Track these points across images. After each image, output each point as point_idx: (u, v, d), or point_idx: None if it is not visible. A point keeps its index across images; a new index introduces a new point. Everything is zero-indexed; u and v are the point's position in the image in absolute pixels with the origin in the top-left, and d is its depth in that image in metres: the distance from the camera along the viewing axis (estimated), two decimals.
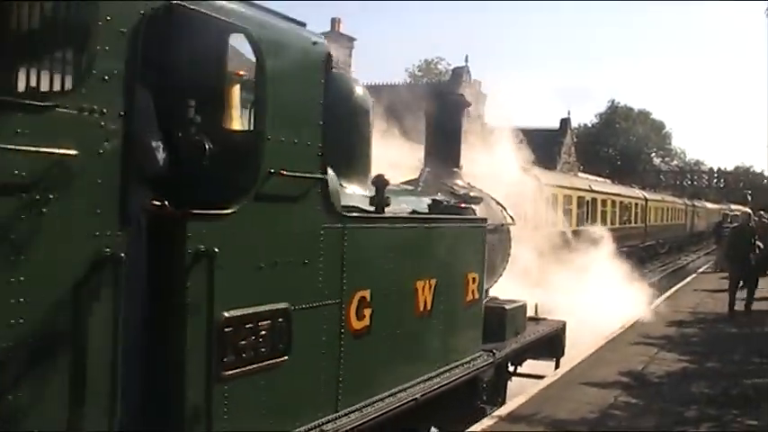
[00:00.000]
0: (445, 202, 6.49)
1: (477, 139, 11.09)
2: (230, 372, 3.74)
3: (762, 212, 23.68)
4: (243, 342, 3.81)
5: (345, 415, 4.72)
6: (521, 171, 19.45)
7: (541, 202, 19.85)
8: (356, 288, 4.75)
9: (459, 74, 43.49)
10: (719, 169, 61.24)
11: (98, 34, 3.04)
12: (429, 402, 5.70)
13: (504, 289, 8.28)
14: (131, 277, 3.22)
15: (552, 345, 8.67)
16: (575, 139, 55.77)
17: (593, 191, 28.20)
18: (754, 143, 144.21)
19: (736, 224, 20.79)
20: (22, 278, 2.79)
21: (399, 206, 5.88)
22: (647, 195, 38.80)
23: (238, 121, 4.85)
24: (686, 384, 8.84)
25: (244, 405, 3.85)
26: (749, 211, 24.98)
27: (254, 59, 3.93)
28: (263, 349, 3.95)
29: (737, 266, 14.66)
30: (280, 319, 4.07)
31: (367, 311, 4.88)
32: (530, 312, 8.40)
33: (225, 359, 3.70)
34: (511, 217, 8.55)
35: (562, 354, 8.93)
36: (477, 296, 6.53)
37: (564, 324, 8.81)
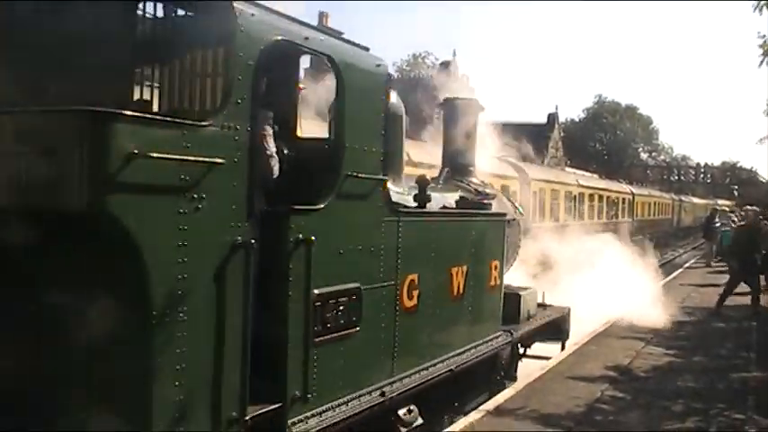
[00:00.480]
0: (469, 199, 7.46)
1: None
2: (319, 339, 4.68)
3: (748, 207, 24.90)
4: (328, 315, 4.76)
5: (399, 380, 5.69)
6: (509, 165, 20.44)
7: (528, 196, 20.77)
8: (407, 272, 5.71)
9: (446, 68, 44.47)
10: (706, 164, 62.97)
11: (234, 67, 3.96)
12: (461, 373, 6.69)
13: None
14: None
15: (558, 328, 9.68)
16: (562, 134, 56.92)
17: (580, 185, 28.80)
18: (740, 139, 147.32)
19: (726, 221, 21.98)
20: (185, 258, 3.71)
21: (433, 202, 6.84)
22: (635, 190, 39.86)
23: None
24: (673, 378, 9.06)
25: (327, 367, 4.79)
26: (756, 209, 25.74)
27: None
28: (341, 321, 4.90)
29: (742, 264, 14.68)
30: (353, 297, 5.02)
31: (415, 292, 5.84)
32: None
33: (315, 328, 4.64)
34: (520, 212, 9.55)
35: (567, 337, 9.95)
36: (498, 282, 7.54)
37: (569, 310, 9.83)
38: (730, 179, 61.91)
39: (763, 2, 9.31)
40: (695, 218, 55.77)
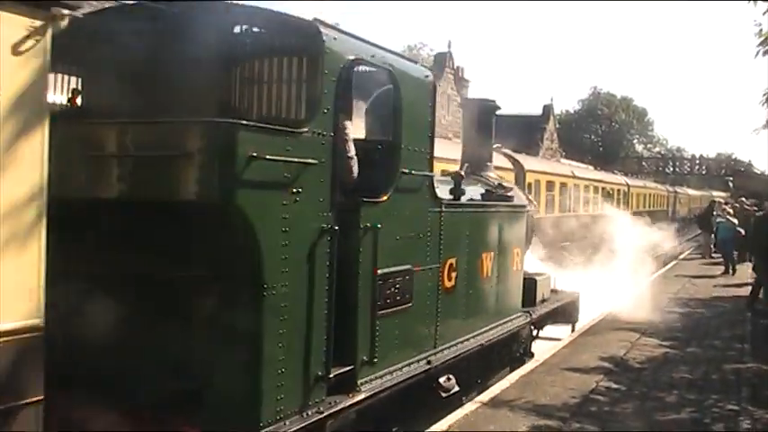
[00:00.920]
0: (494, 191, 8.39)
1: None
2: (381, 312, 5.59)
3: (743, 199, 25.95)
4: (388, 291, 5.67)
5: (440, 351, 6.62)
6: (504, 157, 21.25)
7: (523, 188, 21.60)
8: (447, 256, 6.64)
9: (441, 60, 45.28)
10: (701, 156, 64.15)
11: (321, 82, 4.86)
12: (489, 347, 7.64)
13: None
14: None
15: (568, 312, 10.65)
16: (557, 126, 57.78)
17: (575, 177, 29.08)
18: (735, 131, 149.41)
19: (722, 213, 22.76)
20: (287, 241, 4.61)
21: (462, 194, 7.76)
22: (630, 182, 40.56)
23: None
24: (667, 369, 9.27)
25: (387, 337, 5.71)
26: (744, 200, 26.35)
27: None
28: (398, 297, 5.82)
29: (764, 257, 13.98)
30: (407, 277, 5.94)
31: (453, 274, 6.78)
32: None
33: (378, 303, 5.55)
34: (534, 203, 10.49)
35: (576, 320, 10.93)
36: (519, 267, 8.49)
37: (578, 295, 10.80)
38: (725, 170, 63.18)
39: None
40: (691, 209, 56.90)
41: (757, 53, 10.40)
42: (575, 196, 28.24)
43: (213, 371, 4.45)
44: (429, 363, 6.39)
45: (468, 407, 7.26)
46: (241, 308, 4.42)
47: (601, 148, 69.17)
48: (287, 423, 4.66)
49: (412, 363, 6.15)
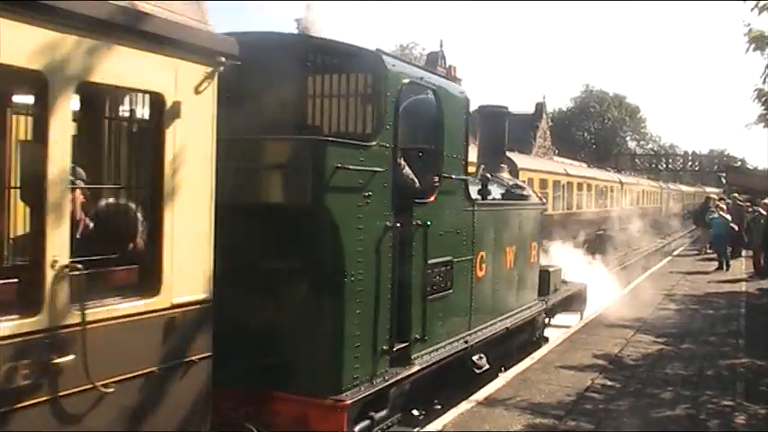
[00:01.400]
0: (513, 191, 9.51)
1: None
2: (429, 297, 6.68)
3: (736, 195, 27.15)
4: (434, 279, 6.76)
5: (474, 333, 7.73)
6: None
7: None
8: (479, 249, 7.74)
9: (434, 59, 46.41)
10: (694, 152, 65.77)
11: (384, 102, 5.94)
12: (512, 331, 8.76)
13: None
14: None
15: (577, 302, 11.80)
16: (550, 123, 58.98)
17: (568, 175, 29.77)
18: (727, 127, 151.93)
19: (714, 209, 23.62)
20: (361, 237, 5.68)
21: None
22: (623, 179, 41.58)
23: None
24: (662, 366, 9.44)
25: (433, 318, 6.79)
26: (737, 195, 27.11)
27: None
28: (441, 284, 6.91)
29: None
30: (448, 267, 7.03)
31: (483, 265, 7.88)
32: None
33: (427, 289, 6.64)
34: (544, 202, 11.64)
35: (584, 308, 12.09)
36: (536, 259, 9.62)
37: (586, 285, 11.95)
38: (718, 166, 64.81)
39: None
40: (684, 205, 58.28)
41: (747, 49, 10.42)
42: (568, 194, 28.86)
43: (305, 344, 5.52)
44: (466, 342, 7.49)
45: (464, 406, 7.45)
46: (327, 292, 5.50)
47: (594, 146, 70.81)
48: (361, 389, 5.74)
49: (452, 342, 7.25)
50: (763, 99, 11.89)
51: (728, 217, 22.12)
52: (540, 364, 9.33)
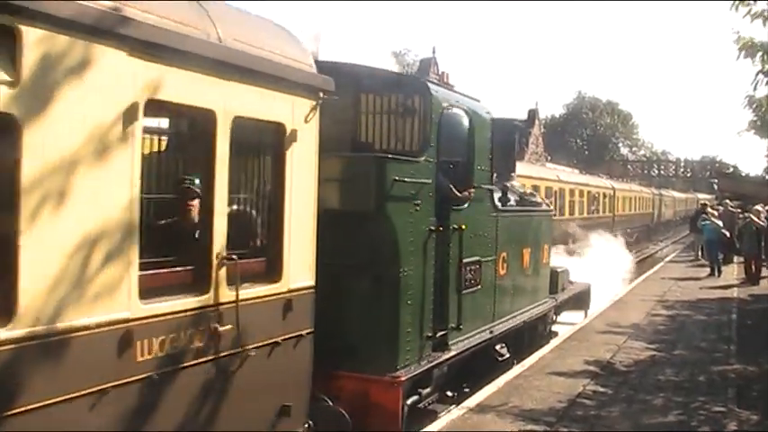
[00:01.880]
0: (526, 198, 10.75)
1: None
2: (462, 291, 7.87)
3: (728, 201, 28.35)
4: (466, 276, 7.96)
5: (497, 325, 8.93)
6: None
7: None
8: (501, 250, 8.96)
9: (426, 65, 47.62)
10: (686, 159, 67.62)
11: (430, 124, 7.14)
12: (528, 324, 9.98)
13: None
14: None
15: (582, 300, 13.07)
16: (542, 130, 60.28)
17: (561, 181, 30.84)
18: (719, 134, 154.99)
19: (706, 215, 24.34)
20: (412, 238, 6.86)
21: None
22: (616, 185, 42.87)
23: None
24: (654, 372, 9.61)
25: (465, 310, 7.98)
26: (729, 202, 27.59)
27: None
28: (472, 281, 8.11)
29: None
30: (477, 265, 8.23)
31: (504, 264, 9.10)
32: None
33: (461, 284, 7.83)
34: (550, 208, 12.90)
35: (589, 307, 13.34)
36: (547, 260, 10.85)
37: (590, 285, 13.22)
38: (710, 173, 66.58)
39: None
40: (676, 212, 59.82)
41: (738, 56, 10.50)
42: (560, 201, 29.64)
43: (367, 330, 6.68)
44: (491, 333, 8.69)
45: (456, 412, 7.67)
46: (386, 285, 6.68)
47: (586, 152, 72.54)
48: (411, 368, 6.91)
49: (480, 332, 8.44)
50: (754, 106, 12.38)
51: (720, 223, 22.73)
52: (532, 370, 9.56)
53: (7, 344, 3.23)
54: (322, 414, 6.10)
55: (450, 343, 7.69)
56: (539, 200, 12.37)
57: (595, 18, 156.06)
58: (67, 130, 3.45)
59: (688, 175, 66.15)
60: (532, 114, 57.92)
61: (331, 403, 6.31)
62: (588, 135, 75.62)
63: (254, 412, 4.83)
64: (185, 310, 4.19)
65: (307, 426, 5.54)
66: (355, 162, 6.52)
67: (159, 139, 5.22)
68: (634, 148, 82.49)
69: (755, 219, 20.67)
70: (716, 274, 21.89)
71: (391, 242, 6.64)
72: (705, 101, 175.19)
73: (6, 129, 3.22)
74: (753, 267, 20.69)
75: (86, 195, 3.55)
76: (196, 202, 4.83)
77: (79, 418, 3.57)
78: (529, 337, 10.58)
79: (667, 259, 29.47)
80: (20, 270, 3.26)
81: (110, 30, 3.60)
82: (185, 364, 4.19)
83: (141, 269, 3.91)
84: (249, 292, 4.66)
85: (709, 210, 24.69)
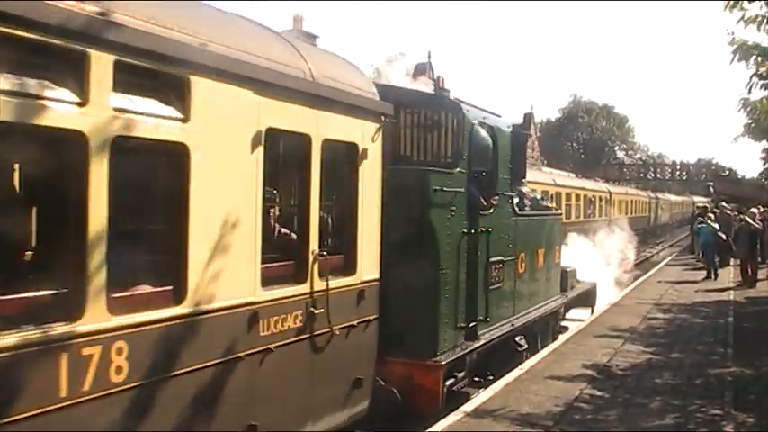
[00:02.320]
0: (538, 202, 11.95)
1: None
2: (489, 287, 9.04)
3: (724, 204, 29.43)
4: (492, 273, 9.13)
5: (517, 318, 10.11)
6: None
7: None
8: (519, 251, 10.15)
9: (422, 70, 48.87)
10: (682, 162, 68.98)
11: (462, 138, 8.32)
12: (542, 318, 11.18)
13: None
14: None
15: (588, 298, 14.28)
16: (538, 134, 61.69)
17: (557, 185, 31.16)
18: (715, 136, 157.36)
19: (702, 218, 25.00)
20: (448, 240, 8.03)
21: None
22: (612, 189, 43.72)
23: None
24: (651, 375, 9.80)
25: (491, 305, 9.15)
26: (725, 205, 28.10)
27: None
28: (496, 278, 9.29)
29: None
30: (501, 265, 9.42)
31: (523, 264, 10.29)
32: None
33: (487, 280, 9.00)
34: (559, 211, 14.12)
35: (595, 304, 14.57)
36: (558, 260, 12.06)
37: (596, 284, 14.45)
38: (706, 176, 67.99)
39: (731, 1, 9.92)
40: (672, 215, 61.12)
41: (732, 60, 10.56)
42: (557, 205, 28.88)
43: (412, 320, 7.83)
44: (512, 325, 9.86)
45: (452, 417, 7.89)
46: (429, 280, 7.83)
47: (582, 156, 74.15)
48: (449, 354, 8.06)
49: (503, 324, 9.62)
50: (749, 109, 12.61)
51: (716, 225, 23.02)
52: (529, 374, 9.77)
53: (180, 318, 4.38)
54: (377, 392, 7.26)
55: (479, 333, 8.86)
56: (549, 204, 13.59)
57: (591, 21, 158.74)
58: (219, 154, 4.61)
59: (684, 178, 67.54)
60: (528, 118, 58.65)
61: (384, 383, 7.47)
62: (584, 139, 77.35)
63: (337, 382, 6.00)
64: (292, 296, 5.35)
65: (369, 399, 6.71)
66: (403, 174, 7.68)
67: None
68: (630, 152, 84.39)
69: (751, 221, 21.20)
70: (712, 276, 22.32)
71: (433, 243, 7.80)
72: (700, 104, 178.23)
73: (180, 154, 4.37)
74: (749, 270, 21.15)
75: (230, 205, 4.70)
76: (275, 210, 5.99)
77: (224, 380, 4.72)
78: (542, 330, 11.77)
79: (664, 263, 30.21)
80: (189, 264, 4.41)
81: (247, 76, 4.76)
82: (293, 340, 5.35)
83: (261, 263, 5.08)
84: (334, 282, 5.82)
85: (710, 213, 25.06)
